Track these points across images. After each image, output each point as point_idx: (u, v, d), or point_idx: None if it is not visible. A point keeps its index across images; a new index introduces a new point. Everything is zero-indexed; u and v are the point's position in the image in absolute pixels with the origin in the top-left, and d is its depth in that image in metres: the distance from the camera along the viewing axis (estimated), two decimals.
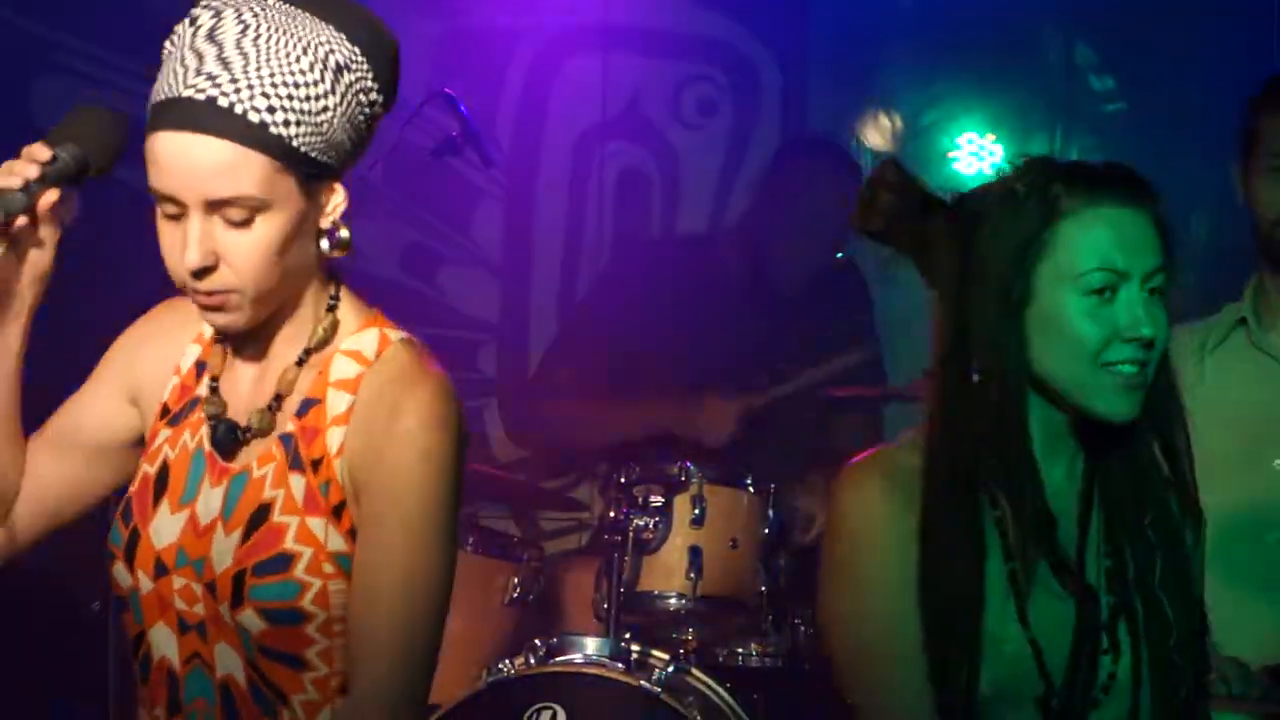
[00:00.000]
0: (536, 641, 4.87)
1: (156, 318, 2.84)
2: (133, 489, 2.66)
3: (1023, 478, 2.72)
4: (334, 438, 2.58)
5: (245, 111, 2.41)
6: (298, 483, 2.57)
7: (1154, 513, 2.77)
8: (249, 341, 2.64)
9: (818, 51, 6.60)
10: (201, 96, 2.41)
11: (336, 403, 2.60)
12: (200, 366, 2.73)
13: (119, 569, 2.63)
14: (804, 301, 5.73)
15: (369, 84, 2.57)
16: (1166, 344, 2.67)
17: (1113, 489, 2.79)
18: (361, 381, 2.61)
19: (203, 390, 2.68)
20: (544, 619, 5.08)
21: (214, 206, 2.42)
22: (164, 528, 2.59)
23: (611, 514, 4.99)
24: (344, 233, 2.59)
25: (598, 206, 6.58)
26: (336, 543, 2.55)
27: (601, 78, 6.56)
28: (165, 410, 2.69)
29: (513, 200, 6.63)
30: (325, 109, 2.51)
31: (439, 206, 6.65)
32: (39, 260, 2.58)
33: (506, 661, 4.35)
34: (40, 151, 2.49)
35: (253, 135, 2.42)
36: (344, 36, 2.53)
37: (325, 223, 2.56)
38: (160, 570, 2.59)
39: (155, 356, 2.77)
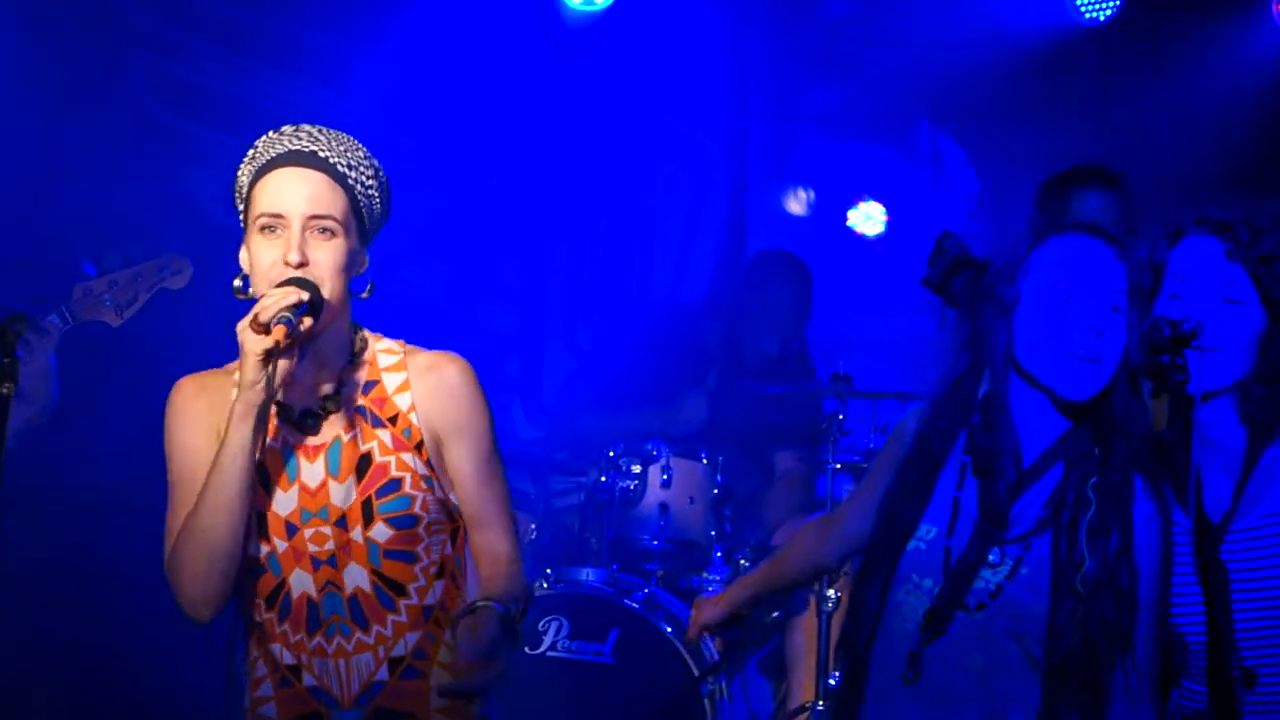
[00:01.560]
0: (548, 570, 5.58)
1: (199, 390, 3.10)
2: (239, 476, 2.90)
3: (1001, 440, 3.05)
4: (402, 400, 2.98)
5: (335, 163, 2.85)
6: (384, 434, 2.95)
7: (1100, 477, 2.99)
8: (312, 361, 2.93)
9: (756, 144, 7.30)
10: (308, 149, 2.85)
11: (392, 380, 3.00)
12: None
13: (258, 544, 2.94)
14: (762, 375, 6.33)
15: (388, 199, 3.04)
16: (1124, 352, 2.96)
17: (1071, 453, 3.04)
18: (407, 364, 3.03)
19: (246, 392, 2.91)
20: (554, 555, 5.60)
21: (311, 220, 2.82)
22: (282, 502, 2.90)
23: (603, 478, 5.70)
24: (370, 284, 3.00)
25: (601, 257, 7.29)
26: (421, 468, 2.93)
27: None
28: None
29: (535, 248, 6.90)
30: (373, 190, 2.94)
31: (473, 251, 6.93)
32: (285, 368, 2.83)
33: None
34: (302, 291, 2.78)
35: (340, 178, 2.85)
36: (380, 167, 3.00)
37: (359, 271, 2.96)
38: (291, 531, 2.91)
39: (213, 410, 3.00)
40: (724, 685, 5.58)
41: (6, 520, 3.70)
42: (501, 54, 6.88)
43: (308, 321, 2.73)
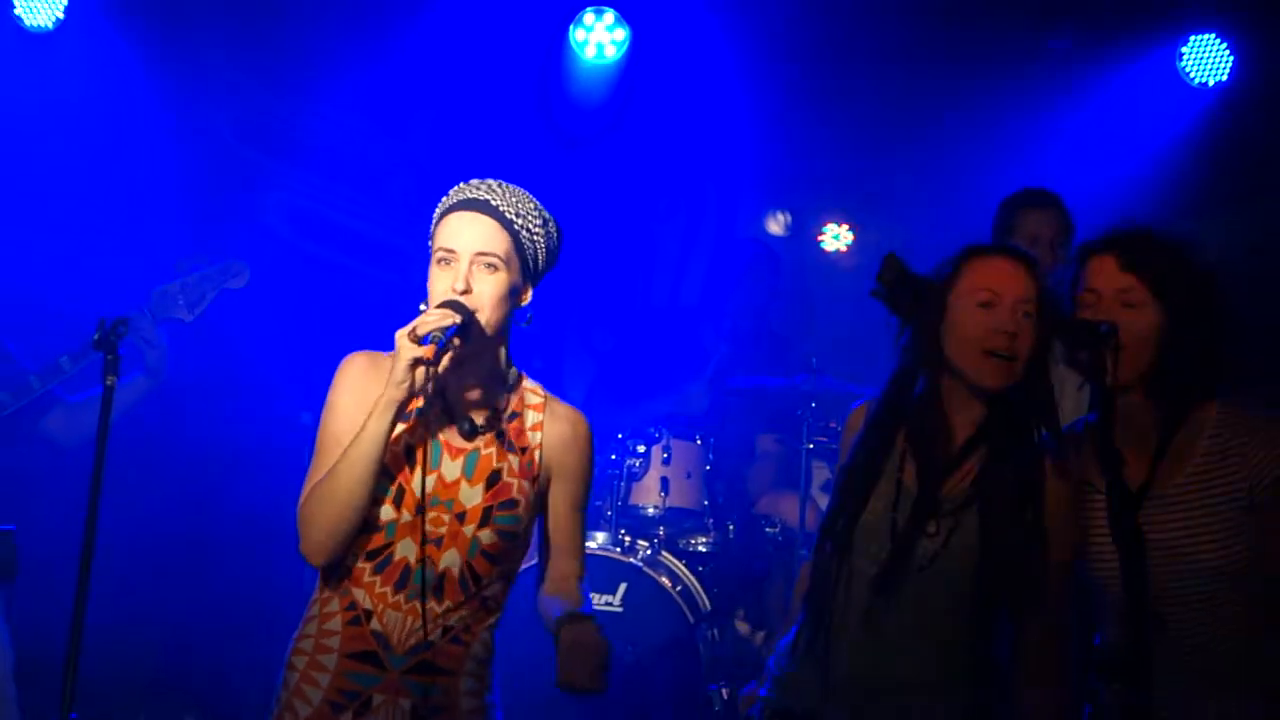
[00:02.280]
0: None
1: (373, 366, 3.16)
2: (387, 460, 3.00)
3: (933, 428, 3.22)
4: (534, 437, 3.15)
5: (505, 212, 2.99)
6: (514, 460, 3.09)
7: (1015, 463, 3.14)
8: (473, 374, 3.07)
9: (742, 174, 7.37)
10: (482, 198, 2.99)
11: (531, 417, 3.17)
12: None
13: (386, 509, 3.03)
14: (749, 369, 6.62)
15: (554, 245, 3.15)
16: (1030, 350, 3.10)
17: (992, 438, 3.18)
18: (545, 407, 3.19)
19: (420, 404, 3.05)
20: None
21: (478, 256, 2.97)
22: (419, 484, 3.00)
23: (613, 456, 5.99)
24: (529, 316, 3.14)
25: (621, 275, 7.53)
26: (533, 496, 3.12)
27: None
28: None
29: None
30: (538, 236, 3.06)
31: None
32: (430, 374, 2.93)
33: None
34: (457, 315, 2.92)
35: (507, 224, 2.99)
36: (550, 218, 3.12)
37: (521, 303, 3.09)
38: (419, 509, 3.01)
39: (371, 385, 3.06)
40: (715, 631, 5.87)
41: (123, 486, 4.16)
42: (526, 99, 6.96)
43: (457, 341, 2.87)
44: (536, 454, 3.14)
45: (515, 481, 3.09)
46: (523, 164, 5.92)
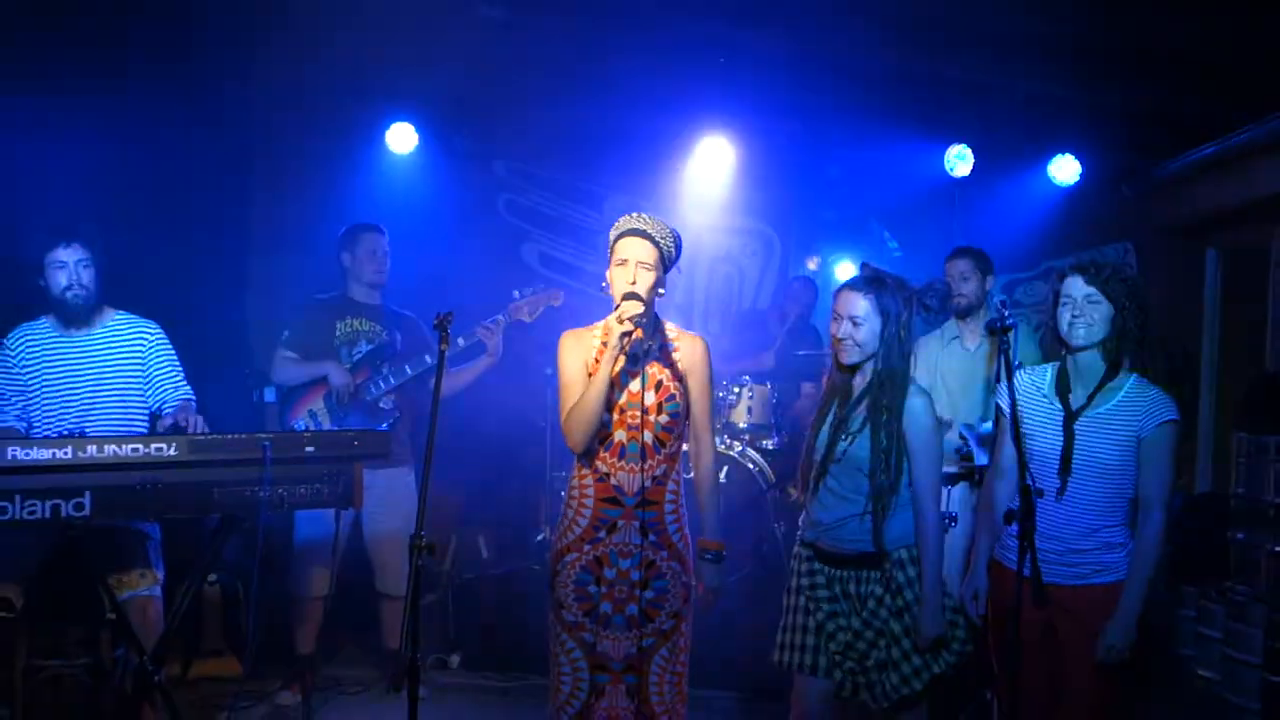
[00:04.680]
0: None
1: (576, 337, 3.39)
2: (604, 387, 3.22)
3: (842, 383, 3.50)
4: (677, 355, 3.38)
5: (652, 234, 3.26)
6: (668, 370, 3.36)
7: (884, 397, 3.45)
8: (640, 328, 3.19)
9: (794, 231, 8.00)
10: (641, 228, 3.25)
11: (672, 344, 3.41)
12: (603, 345, 3.31)
13: (606, 415, 3.27)
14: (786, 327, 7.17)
15: (678, 249, 3.33)
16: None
17: (872, 389, 3.45)
18: (679, 336, 3.40)
19: (611, 350, 3.22)
20: None
21: (639, 263, 3.22)
22: (622, 397, 3.29)
23: (719, 394, 6.46)
24: (662, 290, 3.31)
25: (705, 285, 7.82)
26: (681, 391, 3.38)
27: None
28: (595, 361, 3.34)
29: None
30: (671, 248, 3.29)
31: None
32: (629, 340, 3.17)
33: None
34: (640, 304, 3.18)
35: (656, 243, 3.26)
36: (678, 234, 3.33)
37: (663, 288, 3.33)
38: (623, 411, 3.31)
39: (583, 348, 3.35)
40: (775, 493, 6.46)
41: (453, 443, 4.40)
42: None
43: (640, 316, 3.17)
44: (679, 364, 3.39)
45: (671, 384, 3.33)
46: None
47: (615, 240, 3.28)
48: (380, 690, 5.48)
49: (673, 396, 3.33)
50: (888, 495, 3.38)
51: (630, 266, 3.22)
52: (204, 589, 5.51)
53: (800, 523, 3.64)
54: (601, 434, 3.33)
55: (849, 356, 3.44)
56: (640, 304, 3.15)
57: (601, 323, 3.36)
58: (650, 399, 3.31)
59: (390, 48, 5.80)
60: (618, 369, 3.27)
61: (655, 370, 3.33)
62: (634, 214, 3.27)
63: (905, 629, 3.44)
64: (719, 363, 5.74)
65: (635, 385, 3.30)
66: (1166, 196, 6.80)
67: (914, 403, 3.39)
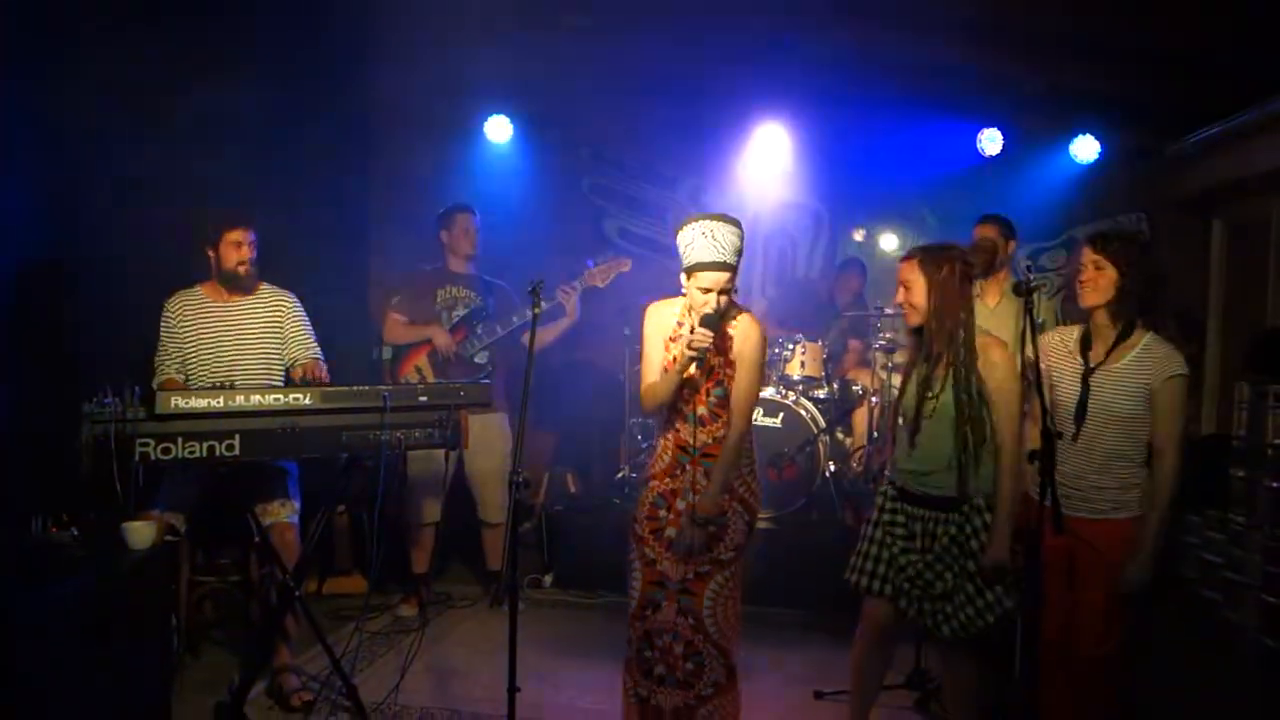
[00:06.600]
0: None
1: (658, 311, 3.32)
2: (673, 386, 3.23)
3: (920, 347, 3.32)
4: (733, 338, 3.28)
5: (725, 260, 3.12)
6: (719, 359, 3.27)
7: (964, 370, 3.26)
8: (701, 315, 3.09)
9: (841, 207, 7.64)
10: (717, 259, 3.11)
11: (733, 326, 3.27)
12: (679, 324, 3.29)
13: (676, 394, 3.24)
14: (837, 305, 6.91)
15: (744, 246, 3.16)
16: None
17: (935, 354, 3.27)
18: (739, 323, 3.27)
19: (684, 331, 3.25)
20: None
21: (720, 291, 3.18)
22: (689, 381, 3.19)
23: (776, 350, 6.29)
24: (735, 288, 3.20)
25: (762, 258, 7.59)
26: (730, 372, 3.27)
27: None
28: (670, 340, 3.29)
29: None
30: (735, 263, 3.17)
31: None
32: (695, 359, 3.14)
33: None
34: (711, 334, 3.12)
35: (728, 269, 3.15)
36: (743, 234, 3.16)
37: (736, 285, 3.19)
38: (683, 388, 3.25)
39: (664, 322, 3.29)
40: (826, 437, 6.15)
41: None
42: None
43: (710, 347, 3.16)
44: (731, 350, 3.30)
45: (722, 370, 3.31)
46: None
47: (695, 265, 3.16)
48: (484, 604, 5.64)
49: (721, 381, 3.30)
50: (975, 448, 3.26)
51: (712, 295, 3.17)
52: (334, 517, 5.63)
53: (887, 468, 3.58)
54: (672, 402, 3.37)
55: (911, 320, 3.37)
56: (711, 336, 3.13)
57: (681, 303, 3.33)
58: (703, 383, 3.30)
59: (490, 50, 5.87)
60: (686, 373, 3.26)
61: (711, 358, 3.30)
62: (710, 224, 3.11)
63: (978, 569, 3.33)
64: (776, 328, 6.46)
65: (694, 368, 3.31)
66: (1177, 172, 6.66)
67: (990, 355, 3.27)
